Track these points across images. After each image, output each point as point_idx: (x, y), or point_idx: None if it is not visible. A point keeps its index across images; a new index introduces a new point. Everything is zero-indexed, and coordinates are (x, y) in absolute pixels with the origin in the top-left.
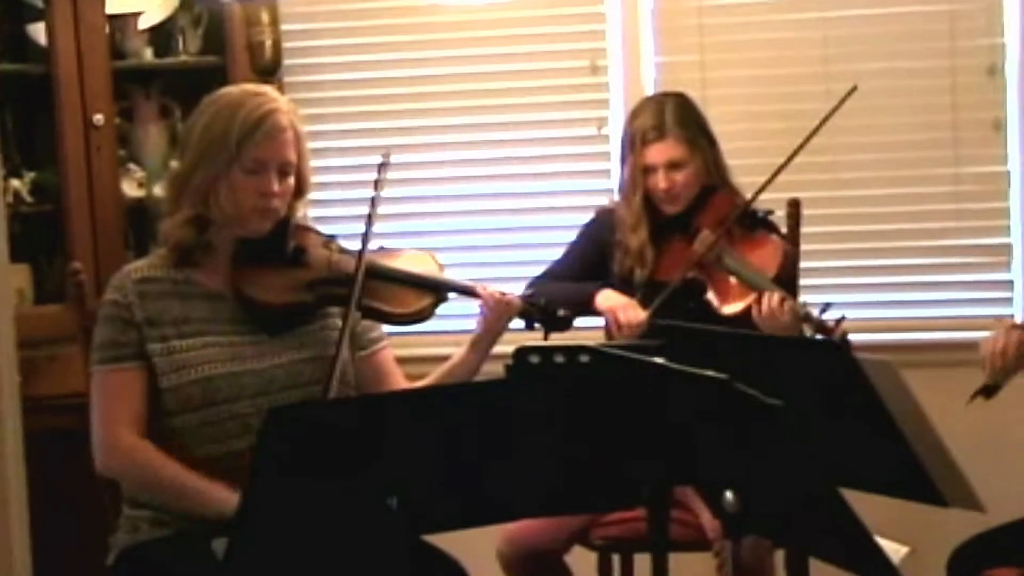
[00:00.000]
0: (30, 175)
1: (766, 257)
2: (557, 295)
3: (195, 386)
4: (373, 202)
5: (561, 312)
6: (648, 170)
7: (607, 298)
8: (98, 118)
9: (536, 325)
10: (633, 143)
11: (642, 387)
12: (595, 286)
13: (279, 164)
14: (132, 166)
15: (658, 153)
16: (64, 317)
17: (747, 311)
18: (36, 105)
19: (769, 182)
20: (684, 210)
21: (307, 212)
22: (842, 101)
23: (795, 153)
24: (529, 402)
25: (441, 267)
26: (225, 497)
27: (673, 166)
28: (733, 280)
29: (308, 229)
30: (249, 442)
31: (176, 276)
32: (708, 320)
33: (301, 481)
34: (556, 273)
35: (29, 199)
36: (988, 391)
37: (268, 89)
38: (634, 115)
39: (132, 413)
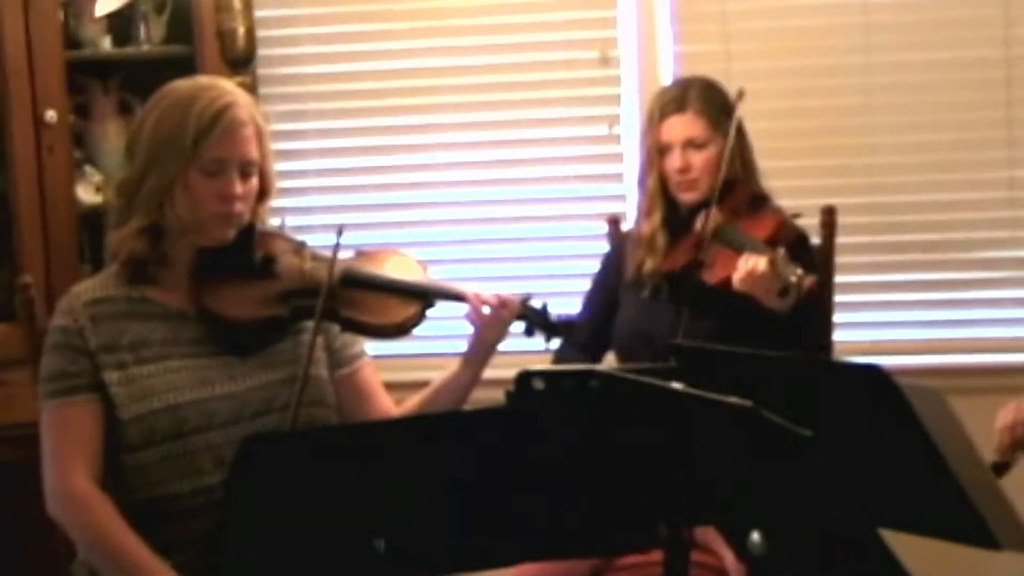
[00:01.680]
0: None
1: (761, 224)
2: None
3: (160, 416)
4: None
5: (563, 318)
6: (664, 149)
7: None
8: (50, 115)
9: (536, 332)
10: (650, 120)
11: (659, 416)
12: None
13: (240, 163)
14: (88, 169)
15: (675, 128)
16: (11, 337)
17: (729, 278)
18: None
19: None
20: (702, 202)
21: (284, 220)
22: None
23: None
24: (532, 433)
25: (424, 270)
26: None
27: (691, 145)
28: (725, 250)
29: (276, 235)
30: (222, 476)
31: (131, 295)
32: (708, 302)
33: (279, 519)
34: (582, 312)
35: None
36: (997, 468)
37: (224, 81)
38: (658, 94)
39: (86, 454)
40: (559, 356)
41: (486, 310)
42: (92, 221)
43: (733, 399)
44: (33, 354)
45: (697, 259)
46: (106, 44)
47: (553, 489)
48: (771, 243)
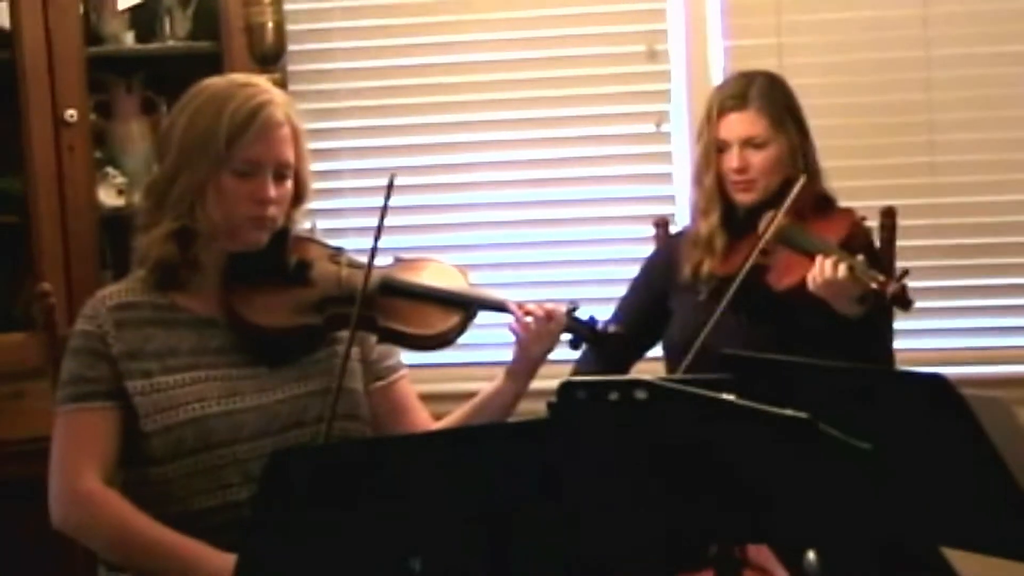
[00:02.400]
0: None
1: (832, 226)
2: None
3: (186, 428)
4: (379, 229)
5: (611, 328)
6: (722, 147)
7: None
8: (70, 114)
9: (583, 345)
10: (709, 115)
11: (709, 428)
12: None
13: (275, 165)
14: (110, 170)
15: (734, 125)
16: (29, 347)
17: (801, 283)
18: None
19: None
20: (761, 204)
21: (315, 223)
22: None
23: None
24: (576, 446)
25: (467, 279)
26: (212, 559)
27: (750, 144)
28: (793, 254)
29: (311, 240)
30: (250, 491)
31: (158, 301)
32: (772, 307)
33: (308, 538)
34: (619, 319)
35: None
36: None
37: (260, 79)
38: (718, 88)
39: (97, 459)
40: (583, 367)
41: (531, 322)
42: (114, 225)
43: (788, 411)
44: (52, 365)
45: (761, 262)
46: (129, 39)
47: (597, 506)
48: (845, 246)
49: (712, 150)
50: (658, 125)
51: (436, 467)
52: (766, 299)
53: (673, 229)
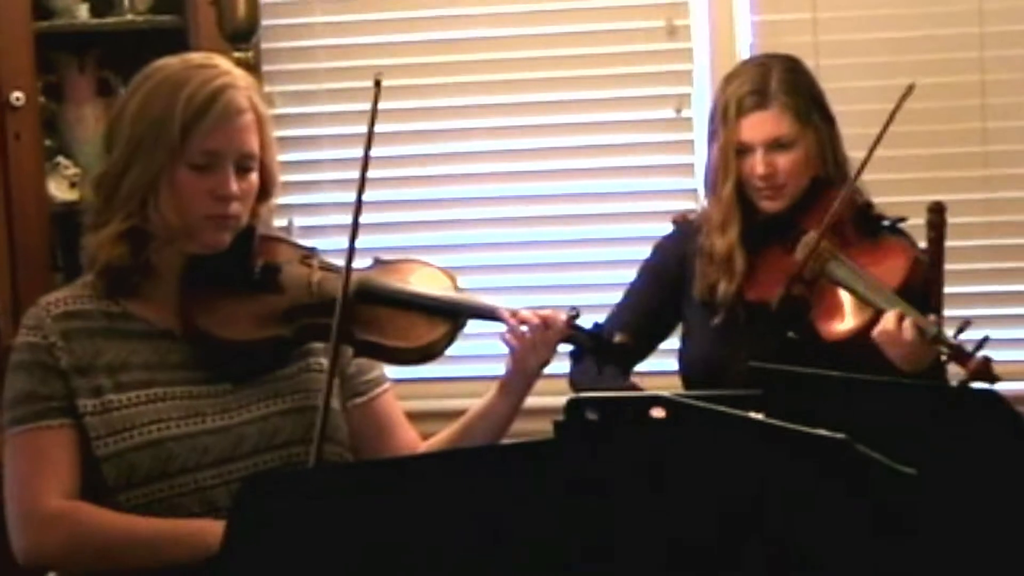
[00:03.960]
0: None
1: (888, 265)
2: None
3: (141, 453)
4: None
5: (617, 337)
6: (743, 150)
7: None
8: (16, 96)
9: (586, 356)
10: (725, 114)
11: (735, 451)
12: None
13: (237, 156)
14: (62, 160)
15: (757, 127)
16: None
17: (856, 335)
18: None
19: (866, 161)
20: (788, 209)
21: (292, 220)
22: (899, 104)
23: (868, 158)
24: (585, 471)
25: (456, 284)
26: (199, 528)
27: (776, 145)
28: (843, 295)
29: (279, 240)
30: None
31: (110, 309)
32: (814, 350)
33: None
34: (614, 323)
35: None
36: None
37: (219, 59)
38: (729, 79)
39: (58, 481)
40: (581, 377)
41: (526, 331)
42: (66, 221)
43: (822, 431)
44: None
45: (799, 292)
46: (83, 13)
47: (607, 541)
48: (903, 293)
49: (731, 154)
50: (678, 110)
51: (429, 493)
52: (805, 335)
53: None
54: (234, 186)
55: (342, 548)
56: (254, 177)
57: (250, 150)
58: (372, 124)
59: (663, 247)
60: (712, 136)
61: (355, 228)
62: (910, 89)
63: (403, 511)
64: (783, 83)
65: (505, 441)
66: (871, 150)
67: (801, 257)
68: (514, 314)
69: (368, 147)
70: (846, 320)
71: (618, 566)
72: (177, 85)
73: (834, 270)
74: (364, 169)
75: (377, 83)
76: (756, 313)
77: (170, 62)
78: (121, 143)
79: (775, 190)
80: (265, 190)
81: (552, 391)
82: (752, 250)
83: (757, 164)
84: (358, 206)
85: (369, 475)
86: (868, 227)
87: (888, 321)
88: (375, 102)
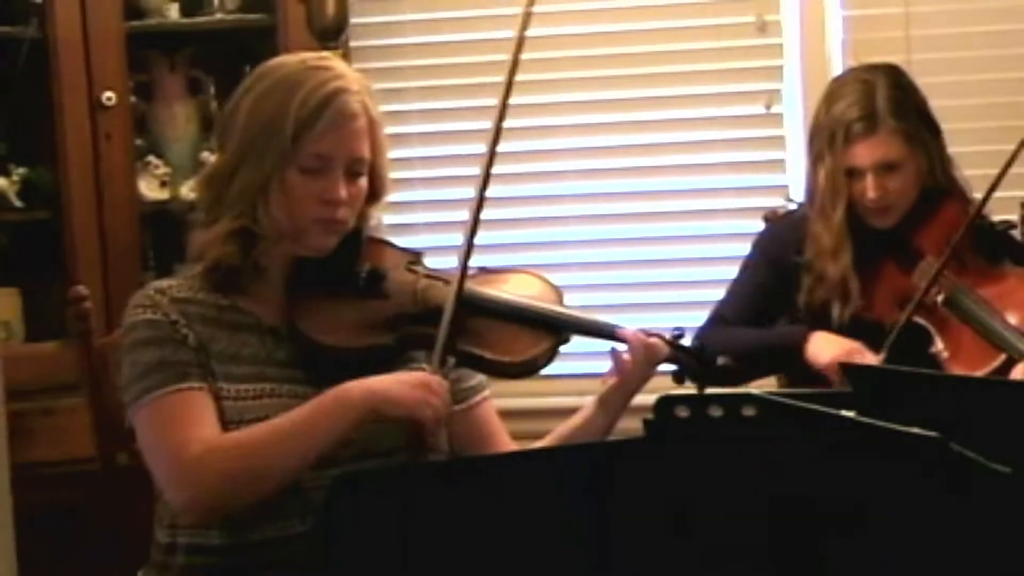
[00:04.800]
0: (19, 172)
1: (1015, 300)
2: (743, 347)
3: None
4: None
5: (721, 360)
6: (852, 173)
7: (825, 347)
8: (108, 96)
9: (687, 377)
10: (833, 138)
11: (827, 449)
12: (799, 332)
13: (348, 161)
14: (152, 159)
15: (867, 152)
16: (63, 359)
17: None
18: (28, 80)
19: (995, 186)
20: (898, 224)
21: (380, 219)
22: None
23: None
24: (676, 470)
25: (560, 295)
26: (337, 394)
27: (886, 167)
28: (973, 335)
29: (386, 244)
30: (310, 526)
31: (220, 301)
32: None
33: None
34: (728, 316)
35: (18, 203)
36: None
37: (335, 60)
38: (832, 98)
39: (202, 431)
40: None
41: (631, 352)
42: (156, 221)
43: (915, 429)
44: (88, 377)
45: (920, 320)
46: (173, 12)
47: (703, 537)
48: None
49: (840, 179)
50: (769, 106)
51: (522, 491)
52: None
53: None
54: (343, 191)
55: (433, 545)
56: (363, 182)
57: (361, 155)
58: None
59: (768, 242)
60: (816, 157)
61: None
62: None
63: (495, 509)
64: (890, 103)
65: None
66: (1000, 175)
67: (921, 283)
68: (634, 335)
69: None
70: (976, 363)
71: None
72: (292, 87)
73: (960, 303)
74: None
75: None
76: (871, 332)
77: (286, 61)
78: (233, 141)
79: (886, 209)
80: (375, 194)
81: (642, 390)
82: (863, 265)
83: (868, 189)
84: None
85: (457, 472)
86: (986, 247)
87: (1017, 371)
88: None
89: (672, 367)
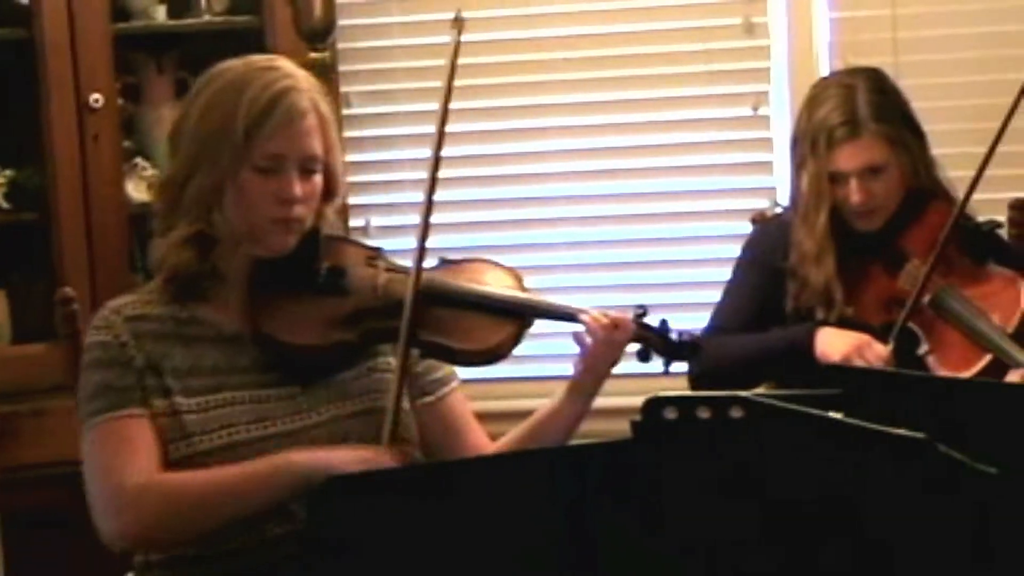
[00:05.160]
0: (6, 173)
1: (1001, 301)
2: (748, 354)
3: (211, 457)
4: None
5: (687, 336)
6: (836, 178)
7: (834, 342)
8: (95, 98)
9: (652, 355)
10: (815, 144)
11: (815, 451)
12: (805, 330)
13: (301, 159)
14: (140, 161)
15: (850, 157)
16: (50, 360)
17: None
18: (15, 82)
19: (976, 182)
20: (882, 230)
21: (369, 221)
22: (1018, 100)
23: (996, 142)
24: (663, 472)
25: (522, 283)
26: (283, 461)
27: (869, 171)
28: (959, 336)
29: (345, 241)
30: (287, 528)
31: (178, 314)
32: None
33: None
34: (726, 324)
35: (5, 204)
36: None
37: (282, 61)
38: (813, 103)
39: (141, 462)
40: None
41: (596, 331)
42: (144, 222)
43: (901, 431)
44: (76, 379)
45: (909, 328)
46: (160, 14)
47: (689, 543)
48: (1020, 334)
49: (824, 184)
50: (756, 108)
51: (505, 494)
52: (917, 369)
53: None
54: (298, 189)
55: (416, 548)
56: (318, 179)
57: (313, 152)
58: (452, 71)
59: (757, 243)
60: (799, 163)
61: (425, 229)
62: None
63: (475, 511)
64: (871, 107)
65: (582, 441)
66: (979, 172)
67: (907, 286)
68: (591, 317)
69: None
70: (964, 364)
71: (693, 564)
72: (239, 89)
73: (946, 303)
74: (438, 149)
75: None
76: (855, 329)
77: (232, 65)
78: (185, 148)
79: (870, 213)
80: (330, 191)
81: (629, 391)
82: (848, 268)
83: (853, 193)
84: (429, 204)
85: (440, 475)
86: (972, 247)
87: (1012, 376)
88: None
89: (637, 346)
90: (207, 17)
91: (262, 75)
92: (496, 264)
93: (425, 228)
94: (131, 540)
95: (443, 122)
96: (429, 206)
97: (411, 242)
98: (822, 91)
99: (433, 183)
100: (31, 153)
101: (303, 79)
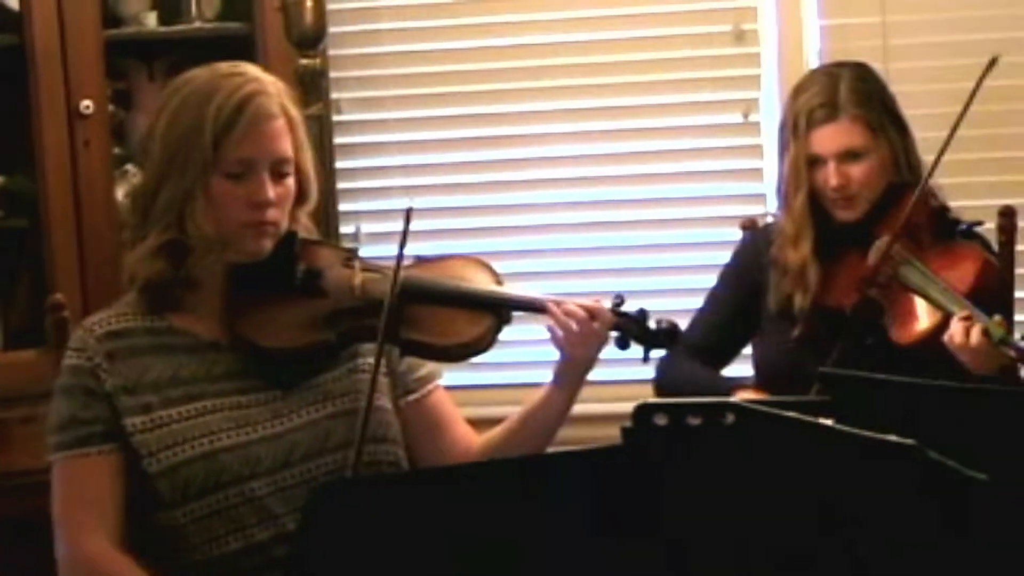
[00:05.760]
0: None
1: (960, 268)
2: (695, 389)
3: (194, 466)
4: (399, 260)
5: (664, 324)
6: (815, 162)
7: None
8: (86, 104)
9: (631, 343)
10: (796, 127)
11: (807, 457)
12: (726, 388)
13: (272, 161)
14: (131, 168)
15: (828, 138)
16: (40, 367)
17: (927, 339)
18: (4, 88)
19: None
20: (863, 218)
21: (359, 227)
22: (983, 76)
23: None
24: (655, 479)
25: (498, 277)
26: None
27: (848, 156)
28: (916, 300)
29: (320, 244)
30: (272, 532)
31: (154, 325)
32: (891, 357)
33: None
34: (694, 337)
35: None
36: None
37: (247, 66)
38: (798, 90)
39: (101, 514)
40: (668, 367)
41: (573, 324)
42: None
43: (890, 437)
44: None
45: (873, 296)
46: (151, 21)
47: (677, 552)
48: (974, 297)
49: (802, 166)
50: (746, 115)
51: (499, 500)
52: (881, 340)
53: (762, 223)
54: (270, 192)
55: (412, 555)
56: (290, 182)
57: (283, 155)
58: (402, 248)
59: (741, 252)
60: (783, 148)
61: (404, 234)
62: (993, 62)
63: (472, 516)
64: (853, 93)
65: (572, 448)
66: (949, 137)
67: (874, 261)
68: (559, 304)
69: (394, 290)
70: (917, 324)
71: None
72: (206, 96)
73: (907, 274)
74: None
75: (407, 218)
76: (833, 320)
77: (197, 73)
78: (154, 158)
79: (849, 200)
80: (303, 193)
81: (620, 397)
82: (827, 259)
83: (830, 176)
84: (408, 217)
85: (434, 482)
86: (944, 231)
87: (954, 325)
88: (405, 231)
89: (615, 333)
90: (198, 24)
91: (228, 81)
92: (471, 258)
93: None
94: None
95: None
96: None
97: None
98: (807, 78)
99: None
100: (21, 159)
101: (269, 83)
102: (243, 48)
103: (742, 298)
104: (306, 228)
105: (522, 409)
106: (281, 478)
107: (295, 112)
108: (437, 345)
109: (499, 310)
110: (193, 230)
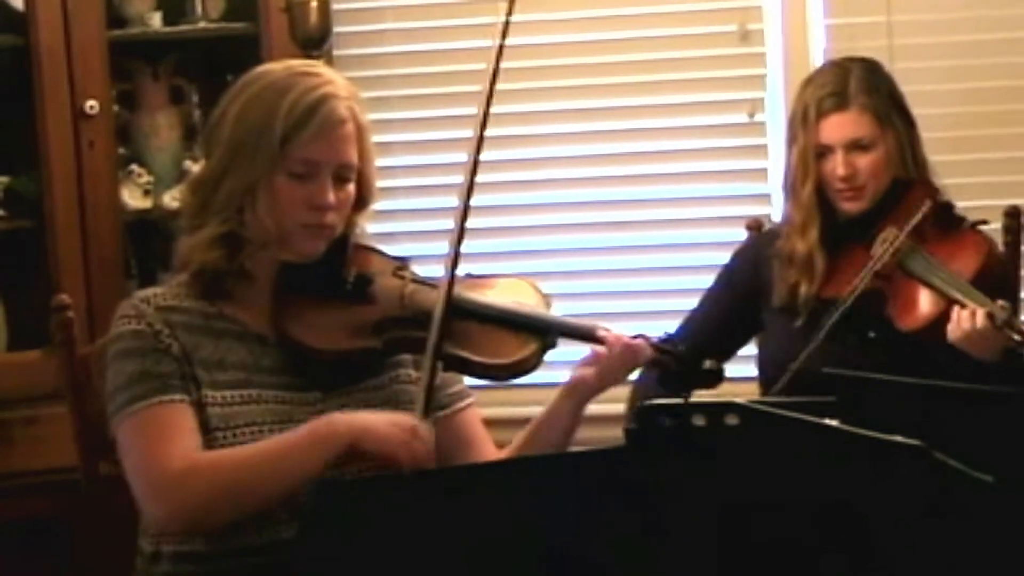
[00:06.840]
0: (2, 180)
1: (963, 256)
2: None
3: None
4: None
5: (708, 364)
6: (822, 152)
7: None
8: (91, 105)
9: (673, 382)
10: (805, 117)
11: (811, 458)
12: None
13: (336, 167)
14: (135, 168)
15: (836, 128)
16: (44, 367)
17: (930, 325)
18: (9, 88)
19: None
20: (869, 211)
21: (363, 227)
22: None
23: None
24: (658, 480)
25: (547, 300)
26: (325, 424)
27: (855, 146)
28: (920, 288)
29: (373, 251)
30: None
31: (206, 308)
32: (895, 346)
33: None
34: (695, 332)
35: (0, 212)
36: None
37: (322, 67)
38: (807, 82)
39: (184, 447)
40: (641, 388)
41: (616, 354)
42: (140, 229)
43: (897, 438)
44: (71, 387)
45: (876, 286)
46: (156, 21)
47: (680, 553)
48: (978, 283)
49: (810, 156)
50: (751, 115)
51: (496, 502)
52: (885, 331)
53: (768, 225)
54: (331, 196)
55: (415, 554)
56: (351, 187)
57: (349, 161)
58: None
59: (737, 254)
60: (791, 139)
61: (459, 241)
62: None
63: (474, 518)
64: (862, 83)
65: (575, 448)
66: None
67: (878, 252)
68: (616, 338)
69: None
70: (920, 311)
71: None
72: (279, 92)
73: (911, 264)
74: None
75: (461, 229)
76: (831, 307)
77: (273, 68)
78: (220, 148)
79: (856, 191)
80: (362, 200)
81: (622, 398)
82: (832, 250)
83: (838, 166)
84: (464, 213)
85: (437, 482)
86: (947, 224)
87: (957, 310)
88: (459, 242)
89: (657, 371)
90: (203, 24)
91: (302, 80)
92: (525, 281)
93: (459, 242)
94: (180, 523)
95: (487, 110)
96: (464, 218)
97: (405, 249)
98: (818, 71)
99: (469, 195)
100: (26, 160)
101: (343, 87)
102: (248, 49)
103: (736, 299)
104: (362, 233)
105: (532, 424)
106: (316, 479)
107: (364, 119)
108: (481, 363)
109: (546, 335)
110: (252, 224)
